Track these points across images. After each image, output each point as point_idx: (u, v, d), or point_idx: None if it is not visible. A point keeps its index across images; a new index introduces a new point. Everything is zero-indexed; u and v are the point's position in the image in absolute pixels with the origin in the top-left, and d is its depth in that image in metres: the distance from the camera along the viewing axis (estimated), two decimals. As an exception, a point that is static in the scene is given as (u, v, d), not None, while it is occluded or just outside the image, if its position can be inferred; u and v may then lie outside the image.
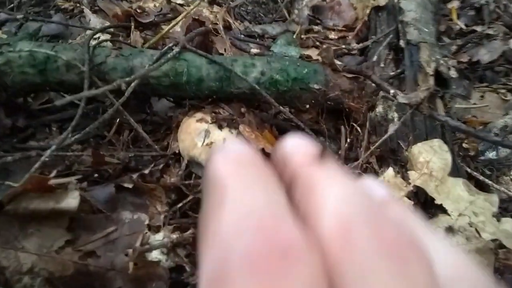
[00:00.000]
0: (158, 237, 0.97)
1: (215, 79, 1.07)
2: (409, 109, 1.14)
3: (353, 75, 1.12)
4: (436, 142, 1.04)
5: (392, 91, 1.08)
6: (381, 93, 1.27)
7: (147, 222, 0.97)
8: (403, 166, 1.11)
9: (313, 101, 1.13)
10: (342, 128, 1.14)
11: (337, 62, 1.34)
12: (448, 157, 1.02)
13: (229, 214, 0.26)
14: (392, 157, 1.11)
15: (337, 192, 0.27)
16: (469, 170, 1.17)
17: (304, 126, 1.10)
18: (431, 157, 1.03)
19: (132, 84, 0.96)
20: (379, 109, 1.22)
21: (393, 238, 0.24)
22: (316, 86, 1.10)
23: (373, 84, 1.16)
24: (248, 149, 0.32)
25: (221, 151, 0.33)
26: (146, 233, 0.97)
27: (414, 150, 1.05)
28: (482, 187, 1.19)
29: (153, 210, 1.00)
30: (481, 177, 1.17)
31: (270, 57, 1.13)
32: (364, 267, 0.23)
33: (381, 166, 1.11)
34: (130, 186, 1.00)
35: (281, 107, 1.07)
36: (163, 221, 0.99)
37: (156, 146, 1.05)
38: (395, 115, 1.21)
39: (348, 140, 1.19)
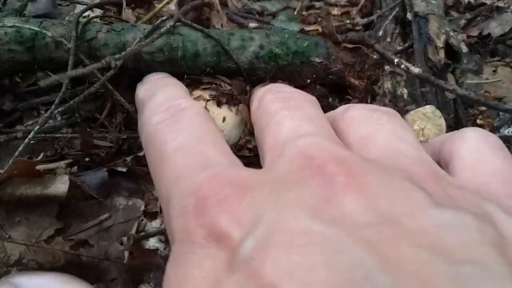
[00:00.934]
0: (155, 224, 0.91)
1: (212, 54, 1.00)
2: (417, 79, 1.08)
3: (355, 46, 1.05)
4: (429, 109, 0.97)
5: (396, 59, 1.01)
6: (388, 68, 1.20)
7: (143, 208, 0.90)
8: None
9: (314, 76, 1.06)
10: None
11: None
12: (442, 122, 0.96)
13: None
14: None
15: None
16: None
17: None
18: (425, 124, 0.97)
19: (118, 61, 0.88)
20: (387, 85, 1.15)
21: None
22: (317, 60, 1.03)
23: (375, 56, 1.09)
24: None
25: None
26: (142, 220, 0.91)
27: (408, 118, 0.99)
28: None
29: (149, 196, 0.93)
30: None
31: (269, 30, 1.06)
32: None
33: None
34: (124, 169, 0.94)
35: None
36: (160, 207, 0.92)
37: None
38: (405, 91, 1.14)
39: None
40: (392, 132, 0.39)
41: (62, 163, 0.93)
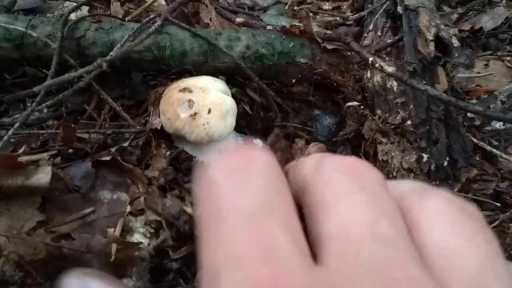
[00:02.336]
0: (140, 220, 0.90)
1: (199, 53, 1.00)
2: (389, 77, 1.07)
3: (336, 47, 1.04)
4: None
5: (371, 58, 1.00)
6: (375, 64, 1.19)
7: (128, 202, 0.89)
8: (403, 136, 1.03)
9: (299, 76, 1.07)
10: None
11: (323, 30, 1.26)
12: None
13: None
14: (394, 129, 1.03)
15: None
16: (475, 140, 1.10)
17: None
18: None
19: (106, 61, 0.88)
20: (377, 78, 1.14)
21: None
22: (302, 60, 1.04)
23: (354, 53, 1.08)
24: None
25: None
26: (127, 215, 0.90)
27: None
28: (489, 158, 1.11)
29: (135, 189, 0.92)
30: (488, 147, 1.10)
31: (255, 30, 1.06)
32: None
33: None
34: (108, 158, 0.92)
35: (264, 85, 1.02)
36: (144, 203, 0.91)
37: (132, 122, 0.97)
38: (394, 84, 1.13)
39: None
40: (489, 260, 0.31)
41: (45, 155, 0.92)
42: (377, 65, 1.00)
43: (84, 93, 1.06)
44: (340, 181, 0.35)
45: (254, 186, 0.33)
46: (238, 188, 0.32)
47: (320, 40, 1.02)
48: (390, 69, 0.99)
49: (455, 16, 1.43)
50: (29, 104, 1.05)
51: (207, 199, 0.34)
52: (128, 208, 0.90)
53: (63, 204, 0.87)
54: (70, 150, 0.94)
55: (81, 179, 0.89)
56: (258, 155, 0.37)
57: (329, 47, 1.02)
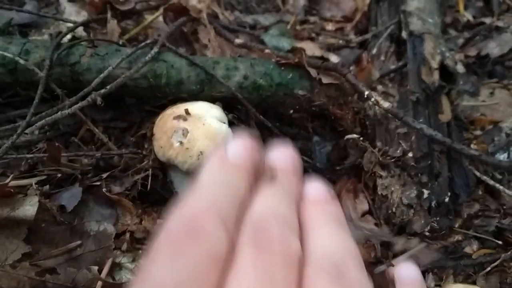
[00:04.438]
0: (128, 256, 0.86)
1: (195, 82, 0.98)
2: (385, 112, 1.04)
3: (332, 81, 1.01)
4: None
5: (366, 92, 0.97)
6: (381, 88, 1.17)
7: (113, 235, 0.86)
8: (404, 169, 1.00)
9: (297, 107, 1.04)
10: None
11: (330, 55, 1.23)
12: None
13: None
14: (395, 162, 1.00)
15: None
16: (478, 174, 1.06)
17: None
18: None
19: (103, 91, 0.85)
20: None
21: None
22: (300, 92, 1.01)
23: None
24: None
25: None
26: (114, 249, 0.86)
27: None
28: (492, 192, 1.08)
29: (124, 221, 0.89)
30: (491, 182, 1.06)
31: (254, 60, 1.03)
32: None
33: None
34: (98, 183, 0.90)
35: (261, 116, 1.00)
36: (129, 240, 0.88)
37: (117, 151, 0.94)
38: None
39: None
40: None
41: (33, 180, 0.90)
42: (372, 99, 0.97)
43: (76, 116, 1.03)
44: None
45: (184, 267, 0.38)
46: (169, 263, 0.38)
47: (315, 73, 0.98)
48: (386, 104, 0.96)
49: (461, 40, 1.40)
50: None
51: (148, 261, 0.39)
52: (116, 242, 0.86)
53: (49, 236, 0.84)
54: (59, 175, 0.91)
55: (69, 206, 0.87)
56: (207, 231, 0.41)
57: (325, 81, 0.99)
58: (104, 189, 0.86)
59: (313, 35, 1.36)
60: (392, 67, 1.21)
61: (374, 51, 1.28)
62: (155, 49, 0.94)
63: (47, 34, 1.15)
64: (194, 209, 0.43)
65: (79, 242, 0.84)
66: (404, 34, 1.22)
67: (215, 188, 0.48)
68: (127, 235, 0.85)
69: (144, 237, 0.87)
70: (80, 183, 0.91)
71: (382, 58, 1.25)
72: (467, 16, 1.49)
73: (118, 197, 0.86)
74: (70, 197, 0.89)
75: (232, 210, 0.47)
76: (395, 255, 0.92)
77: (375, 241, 0.91)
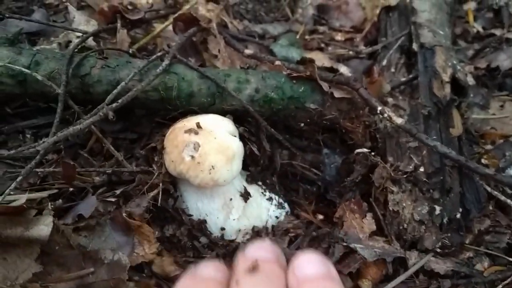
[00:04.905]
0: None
1: (207, 95, 0.97)
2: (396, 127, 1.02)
3: (344, 95, 1.00)
4: None
5: (379, 108, 0.96)
6: (391, 101, 1.16)
7: (128, 267, 0.83)
8: (416, 185, 0.99)
9: (308, 120, 1.03)
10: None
11: (340, 66, 1.22)
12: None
13: None
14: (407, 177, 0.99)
15: None
16: (489, 189, 1.05)
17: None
18: None
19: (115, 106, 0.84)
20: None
21: None
22: (312, 106, 1.00)
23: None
24: None
25: None
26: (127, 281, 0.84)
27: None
28: (503, 208, 1.07)
29: (140, 251, 0.87)
30: (503, 197, 1.05)
31: (265, 73, 1.02)
32: None
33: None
34: (113, 199, 0.89)
35: (272, 130, 1.00)
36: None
37: (134, 168, 0.93)
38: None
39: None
40: None
41: (45, 194, 0.89)
42: (385, 115, 0.96)
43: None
44: None
45: None
46: None
47: (327, 87, 0.98)
48: (399, 120, 0.95)
49: (471, 52, 1.39)
50: (28, 136, 1.02)
51: None
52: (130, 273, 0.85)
53: (62, 259, 0.82)
54: (71, 189, 0.90)
55: (86, 213, 0.85)
56: None
57: (337, 95, 0.98)
58: (124, 214, 0.84)
59: (322, 45, 1.36)
60: (403, 79, 1.20)
61: (384, 62, 1.27)
62: (166, 61, 0.94)
63: (55, 42, 1.14)
64: None
65: (91, 269, 0.81)
66: (415, 46, 1.21)
67: None
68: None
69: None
70: (92, 194, 0.90)
71: (392, 69, 1.25)
72: (477, 27, 1.48)
73: (139, 223, 0.84)
74: (86, 206, 0.87)
75: None
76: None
77: (388, 258, 0.90)
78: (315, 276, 0.56)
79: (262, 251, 0.61)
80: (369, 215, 0.97)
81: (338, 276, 0.58)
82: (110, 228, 0.85)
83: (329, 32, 1.42)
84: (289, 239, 0.96)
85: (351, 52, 1.32)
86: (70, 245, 0.81)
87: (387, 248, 0.92)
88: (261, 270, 0.55)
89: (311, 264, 0.57)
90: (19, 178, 0.77)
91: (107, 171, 0.90)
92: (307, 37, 1.40)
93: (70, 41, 1.14)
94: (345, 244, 0.91)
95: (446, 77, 1.12)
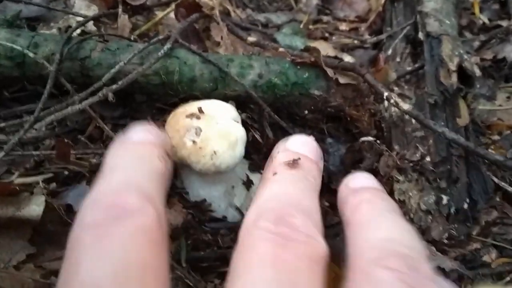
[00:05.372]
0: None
1: (209, 80, 0.95)
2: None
3: (350, 81, 0.98)
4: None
5: (386, 93, 0.94)
6: (397, 90, 1.14)
7: None
8: (422, 174, 0.97)
9: (312, 107, 1.01)
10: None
11: (337, 56, 1.20)
12: None
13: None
14: (413, 166, 0.97)
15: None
16: (496, 180, 1.03)
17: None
18: None
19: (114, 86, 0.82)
20: (395, 108, 1.08)
21: None
22: (316, 92, 0.98)
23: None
24: None
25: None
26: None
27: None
28: (510, 199, 1.05)
29: None
30: (510, 188, 1.03)
31: (268, 58, 1.00)
32: None
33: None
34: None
35: (276, 116, 0.97)
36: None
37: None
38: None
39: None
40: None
41: (39, 178, 0.87)
42: (392, 100, 0.94)
43: (85, 112, 1.00)
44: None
45: (112, 256, 0.34)
46: (94, 255, 0.34)
47: (332, 73, 0.95)
48: (406, 106, 0.93)
49: (476, 43, 1.37)
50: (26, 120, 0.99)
51: (70, 255, 0.36)
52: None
53: (56, 237, 0.81)
54: (66, 173, 0.88)
55: (76, 205, 0.83)
56: (131, 212, 0.37)
57: (342, 81, 0.96)
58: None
59: (327, 35, 1.33)
60: (408, 68, 1.18)
61: (389, 52, 1.25)
62: (168, 45, 0.91)
63: (55, 28, 1.12)
64: (111, 191, 0.40)
65: None
66: (421, 35, 1.19)
67: (127, 167, 0.45)
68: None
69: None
70: (87, 182, 0.88)
71: (398, 59, 1.22)
72: (483, 18, 1.46)
73: None
74: (77, 195, 0.86)
75: (152, 183, 0.44)
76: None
77: None
78: (371, 187, 0.52)
79: (306, 148, 0.57)
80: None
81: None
82: None
83: (333, 22, 1.40)
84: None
85: (355, 41, 1.29)
86: (63, 221, 0.79)
87: None
88: (302, 167, 0.52)
89: (367, 179, 0.53)
90: (1, 154, 0.74)
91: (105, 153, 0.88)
92: (311, 26, 1.38)
93: (70, 26, 1.11)
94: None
95: (452, 66, 1.10)
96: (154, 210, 0.39)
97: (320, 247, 0.42)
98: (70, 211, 0.83)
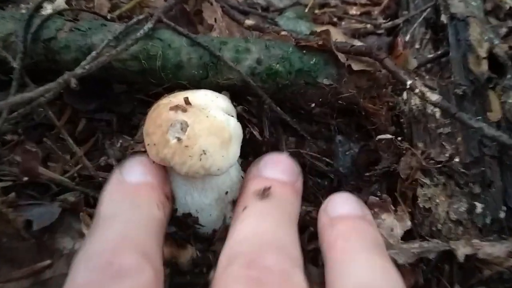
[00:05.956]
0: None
1: (198, 66, 0.80)
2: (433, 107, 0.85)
3: (365, 68, 0.83)
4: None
5: (409, 81, 0.78)
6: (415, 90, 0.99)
7: None
8: (451, 177, 0.82)
9: (320, 100, 0.86)
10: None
11: (349, 41, 1.05)
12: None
13: None
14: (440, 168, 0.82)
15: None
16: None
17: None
18: None
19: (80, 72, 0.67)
20: (415, 101, 0.94)
21: None
22: (325, 82, 0.82)
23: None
24: None
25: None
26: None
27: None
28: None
29: None
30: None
31: (269, 41, 0.85)
32: None
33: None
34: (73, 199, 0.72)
35: (278, 109, 0.82)
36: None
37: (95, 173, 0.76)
38: (436, 109, 0.92)
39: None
40: None
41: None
42: (417, 90, 0.78)
43: (54, 103, 0.86)
44: None
45: None
46: None
47: (344, 59, 0.80)
48: (434, 97, 0.77)
49: (503, 30, 1.21)
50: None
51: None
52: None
53: (12, 253, 0.67)
54: (25, 179, 0.73)
55: (37, 224, 0.69)
56: (128, 272, 0.36)
57: (356, 67, 0.81)
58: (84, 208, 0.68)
59: (335, 19, 1.19)
60: (429, 56, 1.04)
61: (407, 38, 1.10)
62: (149, 25, 0.77)
63: (24, 9, 0.98)
64: (106, 248, 0.39)
65: (48, 262, 0.67)
66: (444, 18, 1.05)
67: (123, 219, 0.44)
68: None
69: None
70: (57, 199, 0.74)
71: (417, 46, 1.08)
72: (509, 2, 1.31)
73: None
74: (43, 214, 0.71)
75: (149, 237, 0.43)
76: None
77: (432, 256, 0.72)
78: (349, 215, 0.51)
79: (278, 171, 0.54)
80: (399, 210, 0.79)
81: (373, 220, 0.54)
82: (69, 215, 0.70)
83: (342, 6, 1.25)
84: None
85: (368, 26, 1.15)
86: (21, 235, 0.65)
87: (428, 244, 0.74)
88: (274, 196, 0.49)
89: (346, 205, 0.52)
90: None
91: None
92: (316, 11, 1.23)
93: (41, 7, 0.97)
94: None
95: (482, 52, 0.95)
96: (151, 267, 0.39)
97: (296, 283, 0.41)
98: (29, 227, 0.69)
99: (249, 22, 0.98)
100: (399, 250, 0.71)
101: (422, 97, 0.76)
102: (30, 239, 0.68)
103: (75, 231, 0.69)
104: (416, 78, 0.95)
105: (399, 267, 0.70)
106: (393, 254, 0.71)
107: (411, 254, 0.71)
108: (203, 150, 0.70)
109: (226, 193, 0.79)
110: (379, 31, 1.15)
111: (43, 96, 0.62)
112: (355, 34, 1.15)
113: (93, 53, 0.72)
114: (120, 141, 0.86)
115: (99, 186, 0.69)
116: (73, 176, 0.76)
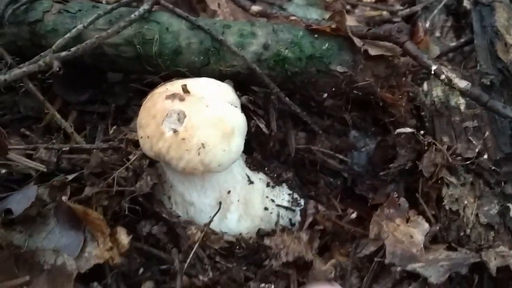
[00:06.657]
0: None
1: (198, 52, 0.73)
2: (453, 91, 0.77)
3: (383, 52, 0.75)
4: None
5: (434, 67, 0.70)
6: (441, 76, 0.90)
7: (75, 274, 0.60)
8: (479, 176, 0.74)
9: (333, 89, 0.78)
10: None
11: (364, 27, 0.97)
12: None
13: None
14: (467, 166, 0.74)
15: None
16: None
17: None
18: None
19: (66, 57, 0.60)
20: (437, 92, 0.86)
21: None
22: (339, 69, 0.74)
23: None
24: None
25: None
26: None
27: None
28: None
29: (92, 249, 0.63)
30: None
31: (277, 25, 0.77)
32: None
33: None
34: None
35: (287, 99, 0.72)
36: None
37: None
38: (461, 101, 0.84)
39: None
40: None
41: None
42: (443, 76, 0.70)
43: (43, 95, 0.79)
44: None
45: None
46: None
47: (360, 43, 0.72)
48: (463, 83, 0.69)
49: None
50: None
51: None
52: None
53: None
54: (3, 171, 0.66)
55: (17, 210, 0.62)
56: None
57: (373, 52, 0.73)
58: (64, 199, 0.60)
59: (348, 7, 1.11)
60: (451, 44, 0.96)
61: (427, 25, 1.02)
62: (145, 6, 0.69)
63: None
64: None
65: (26, 278, 0.60)
66: (466, 3, 0.97)
67: None
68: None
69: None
70: (35, 182, 0.67)
71: (437, 34, 1.00)
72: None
73: (83, 208, 0.61)
74: (21, 199, 0.64)
75: None
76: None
77: (462, 270, 0.64)
78: None
79: None
80: (415, 216, 0.71)
81: None
82: (55, 220, 0.62)
83: (356, -7, 1.18)
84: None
85: (384, 13, 1.07)
86: None
87: (458, 256, 0.65)
88: None
89: None
90: None
91: (63, 148, 0.66)
92: (328, -1, 1.15)
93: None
94: (399, 269, 0.64)
95: (510, 39, 0.87)
96: None
97: None
98: (9, 222, 0.62)
99: (255, 8, 0.91)
100: (426, 263, 0.63)
101: (449, 83, 0.68)
102: (7, 248, 0.61)
103: (60, 240, 0.62)
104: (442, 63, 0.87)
105: (428, 285, 0.62)
106: (420, 269, 0.62)
107: (440, 268, 0.62)
108: (202, 143, 0.63)
109: (229, 192, 0.71)
110: (396, 19, 1.07)
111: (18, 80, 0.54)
112: (370, 22, 1.08)
113: (79, 26, 0.65)
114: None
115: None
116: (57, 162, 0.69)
